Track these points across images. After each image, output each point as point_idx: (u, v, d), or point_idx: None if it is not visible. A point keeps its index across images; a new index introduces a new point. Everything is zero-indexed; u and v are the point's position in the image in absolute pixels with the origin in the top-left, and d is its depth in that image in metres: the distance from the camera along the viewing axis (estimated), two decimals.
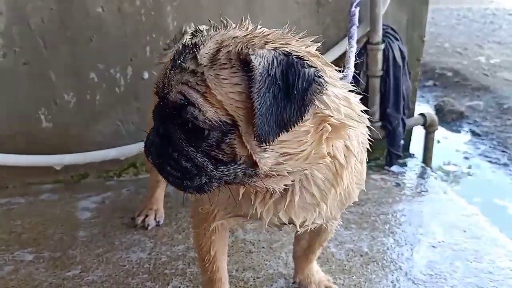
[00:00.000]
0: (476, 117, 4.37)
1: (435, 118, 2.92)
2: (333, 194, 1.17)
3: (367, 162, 3.10)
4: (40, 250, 2.00)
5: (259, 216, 1.20)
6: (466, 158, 3.66)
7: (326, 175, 1.14)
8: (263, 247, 2.01)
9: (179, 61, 0.99)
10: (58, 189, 2.51)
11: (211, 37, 1.01)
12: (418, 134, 3.03)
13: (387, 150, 2.75)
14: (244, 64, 0.94)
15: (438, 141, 3.79)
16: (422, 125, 2.92)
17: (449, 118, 4.30)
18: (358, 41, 2.60)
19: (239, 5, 2.51)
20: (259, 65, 0.92)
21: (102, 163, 2.54)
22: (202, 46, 0.99)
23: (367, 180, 2.59)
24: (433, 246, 2.05)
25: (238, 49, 0.96)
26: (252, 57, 0.93)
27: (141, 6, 2.38)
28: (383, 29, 2.55)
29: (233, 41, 0.99)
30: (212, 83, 0.94)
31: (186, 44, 1.02)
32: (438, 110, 4.42)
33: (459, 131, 4.16)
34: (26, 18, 2.27)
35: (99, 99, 2.50)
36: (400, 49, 2.60)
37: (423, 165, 2.87)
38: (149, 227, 2.14)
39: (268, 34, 1.02)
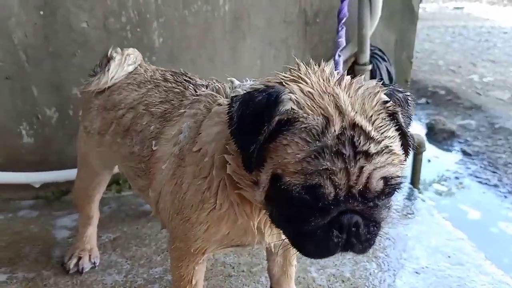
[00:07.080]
0: (467, 136, 4.35)
1: (423, 139, 2.90)
2: None
3: None
4: (14, 270, 1.95)
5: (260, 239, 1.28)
6: (457, 178, 3.63)
7: None
8: (243, 271, 1.97)
9: (358, 150, 0.94)
10: (38, 206, 2.46)
11: (347, 107, 0.97)
12: None
13: None
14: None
15: (429, 160, 3.77)
16: None
17: (440, 137, 4.28)
18: (345, 62, 2.60)
19: (227, 23, 2.50)
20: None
21: None
22: (363, 121, 0.96)
23: None
24: (417, 272, 2.01)
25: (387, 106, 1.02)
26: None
27: (127, 22, 2.36)
28: (371, 50, 2.54)
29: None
30: (395, 147, 0.99)
31: (342, 131, 0.94)
32: (430, 128, 4.40)
33: (450, 150, 4.14)
34: (9, 32, 2.24)
35: None
36: (387, 70, 2.59)
37: (410, 186, 2.83)
38: (84, 270, 1.91)
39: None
